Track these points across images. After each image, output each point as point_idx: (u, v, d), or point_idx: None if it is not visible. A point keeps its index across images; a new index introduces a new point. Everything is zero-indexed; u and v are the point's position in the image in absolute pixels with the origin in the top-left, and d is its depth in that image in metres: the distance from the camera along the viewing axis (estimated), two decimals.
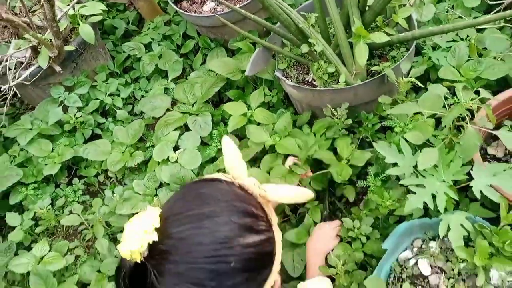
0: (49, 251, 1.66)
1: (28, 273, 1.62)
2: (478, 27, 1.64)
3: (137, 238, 0.68)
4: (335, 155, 1.49)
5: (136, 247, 0.67)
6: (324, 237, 1.29)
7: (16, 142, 2.01)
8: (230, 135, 1.69)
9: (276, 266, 0.78)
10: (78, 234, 1.85)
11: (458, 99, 1.27)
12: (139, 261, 0.69)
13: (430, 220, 1.28)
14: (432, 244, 1.29)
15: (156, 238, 0.68)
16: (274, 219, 0.80)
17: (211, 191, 0.75)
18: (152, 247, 0.69)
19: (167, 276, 0.69)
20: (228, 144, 0.87)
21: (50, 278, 1.59)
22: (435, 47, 1.62)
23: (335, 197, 1.61)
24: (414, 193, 1.20)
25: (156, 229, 0.69)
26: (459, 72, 1.50)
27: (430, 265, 1.27)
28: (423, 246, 1.31)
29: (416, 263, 1.29)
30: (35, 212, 1.80)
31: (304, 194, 0.89)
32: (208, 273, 0.68)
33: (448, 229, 1.19)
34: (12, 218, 1.81)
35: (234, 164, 0.83)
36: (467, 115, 1.24)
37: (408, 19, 1.57)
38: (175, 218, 0.72)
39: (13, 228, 1.81)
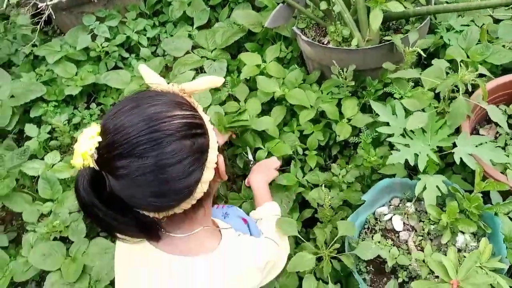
0: (60, 161, 1.80)
1: (37, 180, 1.77)
2: (495, 16, 1.69)
3: (84, 144, 0.79)
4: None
5: (85, 149, 0.78)
6: (264, 169, 1.49)
7: (44, 63, 2.15)
8: (241, 84, 1.79)
9: (213, 143, 0.89)
10: None
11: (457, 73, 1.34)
12: (92, 165, 0.79)
13: (410, 182, 1.37)
14: (409, 204, 1.38)
15: (100, 139, 0.79)
16: (199, 106, 0.91)
17: (138, 95, 0.87)
18: (98, 149, 0.79)
19: (117, 163, 0.79)
20: (145, 68, 1.01)
21: (56, 184, 1.73)
22: (449, 29, 1.68)
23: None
24: (399, 151, 1.29)
25: (99, 134, 0.80)
26: (467, 54, 1.56)
27: (403, 222, 1.36)
28: (400, 205, 1.40)
29: (390, 219, 1.38)
30: (51, 126, 1.94)
31: (213, 81, 1.02)
32: (147, 144, 0.78)
33: (425, 188, 1.28)
34: (30, 129, 1.96)
35: (153, 79, 0.96)
36: (462, 88, 1.31)
37: None
38: (111, 118, 0.83)
39: (30, 138, 1.96)
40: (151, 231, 0.93)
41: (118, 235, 0.91)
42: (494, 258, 1.09)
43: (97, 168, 0.80)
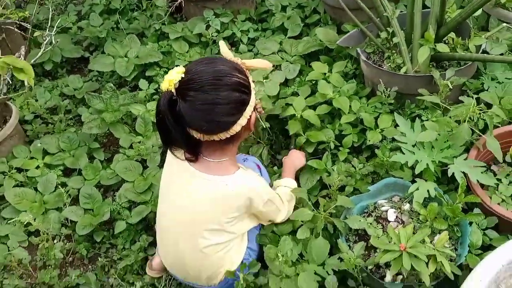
0: None
1: (136, 120, 2.32)
2: None
3: (172, 75, 1.25)
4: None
5: (172, 78, 1.24)
6: (296, 157, 1.86)
7: (166, 38, 2.75)
8: (306, 86, 2.18)
9: (252, 102, 1.32)
10: None
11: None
12: (172, 90, 1.24)
13: (410, 184, 1.64)
14: (406, 203, 1.65)
15: (183, 75, 1.25)
16: (251, 77, 1.36)
17: (215, 56, 1.36)
18: (180, 82, 1.24)
19: (188, 93, 1.24)
20: (223, 43, 1.48)
21: (149, 125, 2.26)
22: (494, 78, 1.91)
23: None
24: (404, 154, 1.59)
25: (183, 72, 1.25)
26: (499, 100, 1.79)
27: (396, 216, 1.64)
28: (398, 202, 1.68)
29: (386, 211, 1.66)
30: (158, 85, 2.50)
31: (265, 64, 1.49)
32: (211, 86, 1.24)
33: (418, 189, 1.55)
34: (143, 84, 2.54)
35: (225, 52, 1.41)
36: (472, 119, 1.58)
37: (479, 47, 1.89)
38: (193, 65, 1.29)
39: (141, 90, 2.54)
40: (194, 149, 1.38)
41: (171, 147, 1.37)
42: (450, 246, 1.35)
43: (174, 93, 1.26)
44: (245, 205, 1.41)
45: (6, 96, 2.32)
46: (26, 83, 2.28)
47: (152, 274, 1.75)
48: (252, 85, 1.35)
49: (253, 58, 2.49)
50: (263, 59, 1.48)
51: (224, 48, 1.45)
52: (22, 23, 2.54)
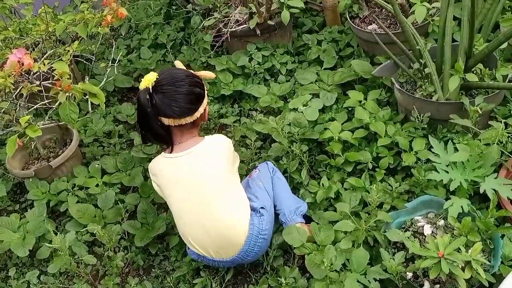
0: None
1: None
2: None
3: (149, 77, 1.68)
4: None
5: (150, 78, 1.67)
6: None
7: (211, 70, 3.00)
8: (343, 112, 2.37)
9: (206, 98, 1.81)
10: None
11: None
12: (150, 87, 1.66)
13: (445, 201, 1.78)
14: (441, 219, 1.78)
15: (157, 76, 1.69)
16: (205, 84, 1.82)
17: (177, 67, 1.81)
18: (155, 82, 1.67)
19: (163, 88, 1.67)
20: (178, 62, 1.97)
21: None
22: None
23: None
24: (439, 172, 1.73)
25: (157, 76, 1.69)
26: None
27: (432, 231, 1.77)
28: (434, 219, 1.81)
29: (422, 226, 1.80)
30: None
31: (209, 74, 1.96)
32: (179, 82, 1.70)
33: (452, 205, 1.69)
34: None
35: (180, 66, 1.92)
36: (501, 142, 1.72)
37: (506, 77, 2.05)
38: (164, 71, 1.75)
39: None
40: (167, 137, 1.78)
41: (149, 137, 1.82)
42: (484, 257, 1.47)
43: (151, 90, 1.67)
44: (225, 151, 1.83)
45: None
46: (89, 109, 2.56)
47: None
48: (205, 87, 1.82)
49: (292, 89, 2.72)
50: (209, 71, 1.99)
51: (179, 64, 1.96)
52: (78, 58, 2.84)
